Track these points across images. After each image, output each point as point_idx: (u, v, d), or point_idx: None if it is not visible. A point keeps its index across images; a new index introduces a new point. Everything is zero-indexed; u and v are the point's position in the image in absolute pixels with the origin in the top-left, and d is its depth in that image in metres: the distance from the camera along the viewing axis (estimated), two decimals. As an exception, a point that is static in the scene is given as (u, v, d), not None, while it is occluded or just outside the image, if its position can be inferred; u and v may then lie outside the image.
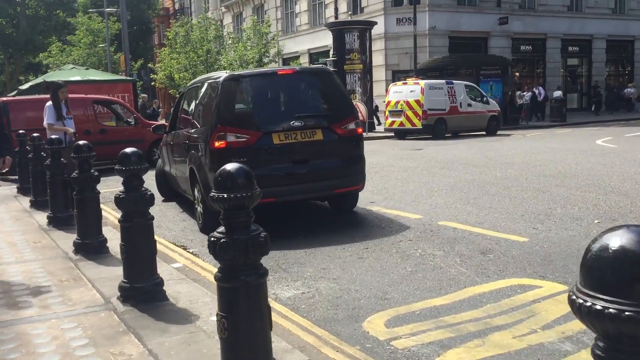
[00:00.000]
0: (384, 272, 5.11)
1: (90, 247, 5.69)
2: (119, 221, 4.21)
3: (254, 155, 6.52)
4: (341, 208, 7.76)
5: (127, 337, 3.64)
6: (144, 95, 27.89)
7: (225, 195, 2.64)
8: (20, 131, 10.30)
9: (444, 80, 21.39)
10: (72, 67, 23.18)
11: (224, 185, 2.68)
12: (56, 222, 7.12)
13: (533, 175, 10.21)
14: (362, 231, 6.66)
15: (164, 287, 4.35)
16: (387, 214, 7.47)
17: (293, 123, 6.59)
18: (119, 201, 4.12)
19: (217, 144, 6.49)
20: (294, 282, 4.97)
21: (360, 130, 7.15)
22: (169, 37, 33.32)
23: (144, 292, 4.19)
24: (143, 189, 4.19)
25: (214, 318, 3.53)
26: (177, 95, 21.02)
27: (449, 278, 4.81)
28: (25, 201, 9.10)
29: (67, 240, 6.24)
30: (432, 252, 5.62)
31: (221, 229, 2.72)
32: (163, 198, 9.61)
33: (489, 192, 8.74)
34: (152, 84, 39.50)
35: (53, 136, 7.83)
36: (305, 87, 7.17)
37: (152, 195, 4.20)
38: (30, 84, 23.93)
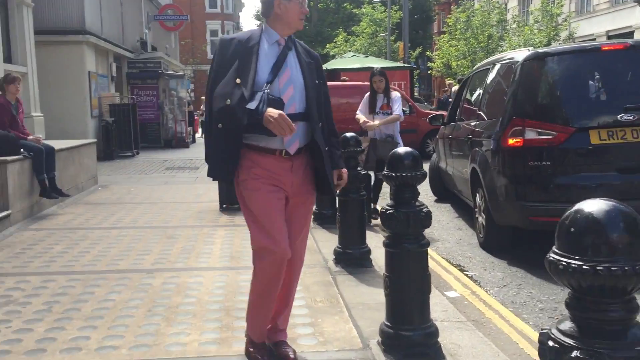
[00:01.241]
0: None
1: (352, 258, 4.83)
2: (384, 244, 3.15)
3: (560, 158, 4.99)
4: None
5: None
6: (451, 82, 26.70)
7: (588, 267, 1.31)
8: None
9: None
10: (353, 55, 23.59)
11: (587, 247, 1.34)
12: (321, 219, 6.52)
13: None
14: None
15: (439, 334, 3.19)
16: None
17: (621, 117, 4.84)
18: (385, 218, 3.06)
19: (511, 141, 5.10)
20: None
21: None
22: (449, 24, 32.19)
23: (412, 344, 3.06)
24: (418, 204, 3.06)
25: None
26: (455, 83, 19.82)
27: None
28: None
29: (329, 243, 5.54)
30: None
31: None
32: (436, 198, 8.53)
33: None
34: (429, 72, 38.99)
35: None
36: (640, 68, 5.26)
37: (428, 213, 3.04)
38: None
